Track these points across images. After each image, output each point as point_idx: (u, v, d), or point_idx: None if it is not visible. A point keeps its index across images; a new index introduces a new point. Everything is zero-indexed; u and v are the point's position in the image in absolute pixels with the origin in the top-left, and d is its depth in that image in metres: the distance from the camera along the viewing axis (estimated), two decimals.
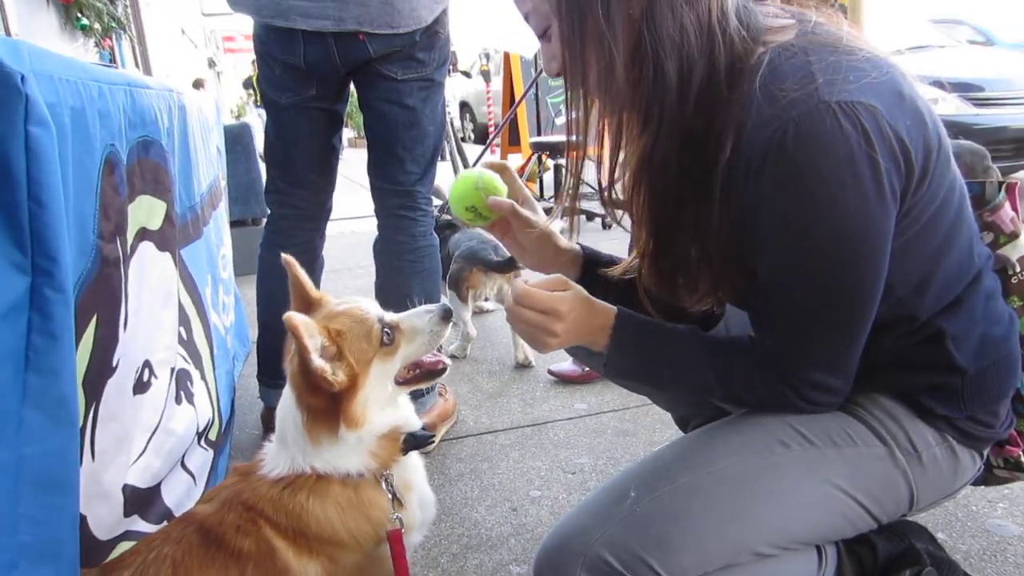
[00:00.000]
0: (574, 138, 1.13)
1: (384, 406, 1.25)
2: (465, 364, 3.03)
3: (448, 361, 1.36)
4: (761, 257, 1.07)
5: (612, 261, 1.38)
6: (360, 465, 1.21)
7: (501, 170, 1.34)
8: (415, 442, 1.28)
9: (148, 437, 1.44)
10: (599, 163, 1.19)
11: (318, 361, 1.12)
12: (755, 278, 1.09)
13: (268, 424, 2.34)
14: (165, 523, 1.51)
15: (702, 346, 1.18)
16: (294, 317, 1.08)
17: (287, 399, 1.23)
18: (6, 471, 0.85)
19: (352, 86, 2.22)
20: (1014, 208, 1.26)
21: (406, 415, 1.30)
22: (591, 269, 1.38)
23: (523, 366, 3.01)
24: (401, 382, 1.30)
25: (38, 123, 0.77)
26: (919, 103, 1.01)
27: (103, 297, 1.13)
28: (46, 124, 0.79)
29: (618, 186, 1.16)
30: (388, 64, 2.08)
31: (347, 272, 4.69)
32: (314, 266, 2.36)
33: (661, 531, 1.06)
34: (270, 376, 2.31)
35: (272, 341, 2.28)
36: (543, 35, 1.11)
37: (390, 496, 1.22)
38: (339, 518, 1.18)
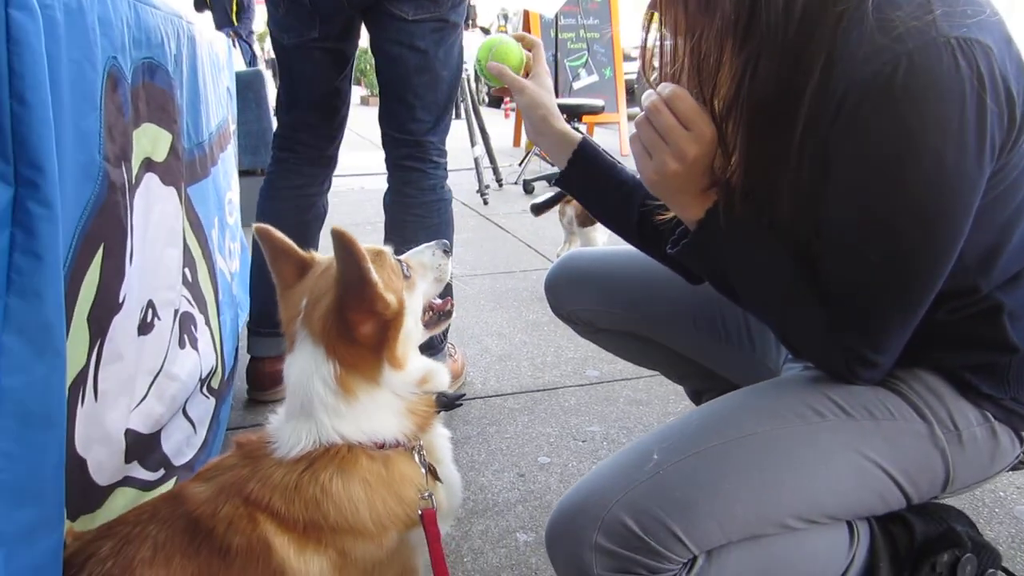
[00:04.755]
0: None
1: (416, 349, 1.18)
2: (474, 326, 2.96)
3: (453, 301, 1.35)
4: (833, 206, 0.98)
5: (613, 164, 1.31)
6: (396, 428, 1.09)
7: (530, 46, 1.34)
8: (447, 401, 1.18)
9: (151, 381, 1.37)
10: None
11: (375, 274, 1.03)
12: (816, 238, 1.01)
13: (254, 378, 2.26)
14: (162, 471, 1.45)
15: (784, 266, 1.07)
16: (341, 228, 0.99)
17: (307, 362, 1.08)
18: None
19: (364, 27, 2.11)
20: None
21: (437, 364, 1.20)
22: (585, 158, 1.29)
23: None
24: (424, 324, 1.24)
25: (21, 7, 0.68)
26: (1020, 52, 0.93)
27: (110, 226, 1.04)
28: (31, 10, 0.69)
29: None
30: (398, 3, 1.95)
31: (355, 228, 4.60)
32: (307, 216, 2.24)
33: (685, 496, 1.00)
34: (264, 325, 2.23)
35: (271, 287, 2.21)
36: None
37: (424, 470, 1.10)
38: (366, 499, 1.04)
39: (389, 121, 2.12)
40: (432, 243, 1.28)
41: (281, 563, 1.01)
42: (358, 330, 1.05)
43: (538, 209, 3.42)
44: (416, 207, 2.13)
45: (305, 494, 1.03)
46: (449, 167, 2.23)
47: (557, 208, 3.42)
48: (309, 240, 2.29)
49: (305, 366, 1.09)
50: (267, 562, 1.00)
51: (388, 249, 1.20)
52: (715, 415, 1.13)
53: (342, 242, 0.99)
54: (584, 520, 1.02)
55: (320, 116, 2.18)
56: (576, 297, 1.61)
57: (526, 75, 1.33)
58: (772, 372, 1.40)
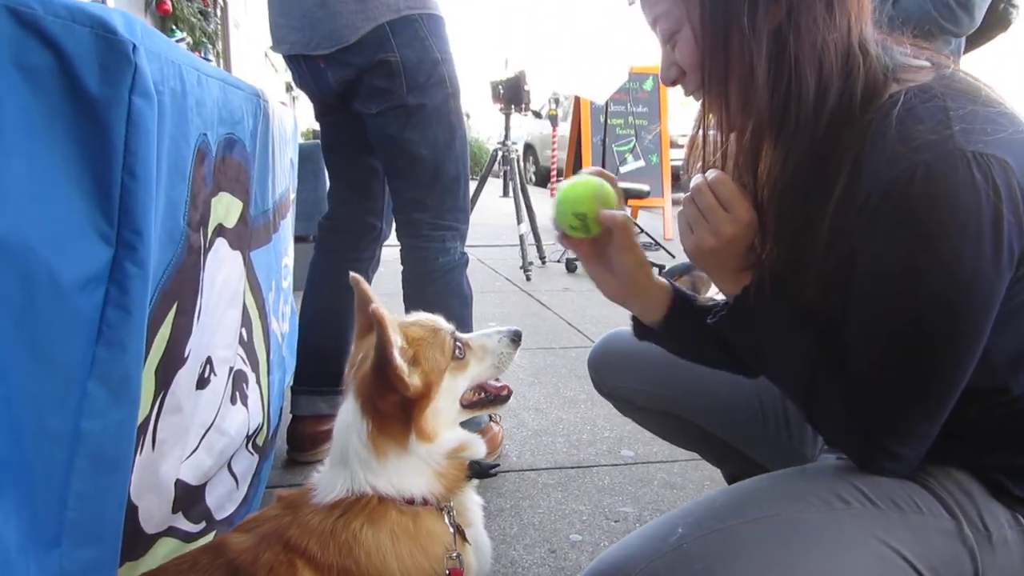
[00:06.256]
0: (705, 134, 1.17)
1: (451, 424, 1.21)
2: (512, 399, 2.96)
3: (511, 388, 1.32)
4: (856, 307, 1.03)
5: (704, 306, 1.30)
6: (425, 488, 1.14)
7: (611, 182, 1.22)
8: (480, 469, 1.22)
9: (202, 434, 1.43)
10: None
11: (399, 358, 1.08)
12: (842, 326, 1.05)
13: (295, 439, 2.32)
14: (204, 524, 1.49)
15: (810, 351, 1.12)
16: (381, 308, 1.06)
17: (348, 414, 1.16)
18: (62, 442, 0.84)
19: None
20: None
21: (473, 437, 1.25)
22: (679, 306, 1.30)
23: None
24: (466, 404, 1.25)
25: (142, 95, 0.78)
26: None
27: (185, 286, 1.13)
28: (150, 97, 0.79)
29: None
30: (360, 101, 2.09)
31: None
32: (345, 281, 2.32)
33: (705, 570, 1.01)
34: (305, 384, 2.33)
35: (312, 347, 2.34)
36: (668, 40, 1.11)
37: (452, 530, 1.14)
38: (392, 549, 1.08)
39: (393, 206, 2.27)
40: (504, 329, 1.29)
41: None
42: (384, 401, 1.12)
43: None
44: (412, 279, 2.23)
45: (338, 539, 1.07)
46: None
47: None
48: (346, 307, 2.38)
49: (347, 417, 1.16)
50: None
51: (447, 327, 1.23)
52: (741, 494, 1.14)
53: (376, 322, 1.06)
54: None
55: (349, 185, 2.35)
56: (616, 375, 1.64)
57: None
58: (809, 461, 1.41)
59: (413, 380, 1.11)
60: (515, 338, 1.28)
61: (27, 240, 0.73)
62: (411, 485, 1.13)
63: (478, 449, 1.23)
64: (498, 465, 1.28)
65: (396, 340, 1.09)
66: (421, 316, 1.25)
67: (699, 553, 1.03)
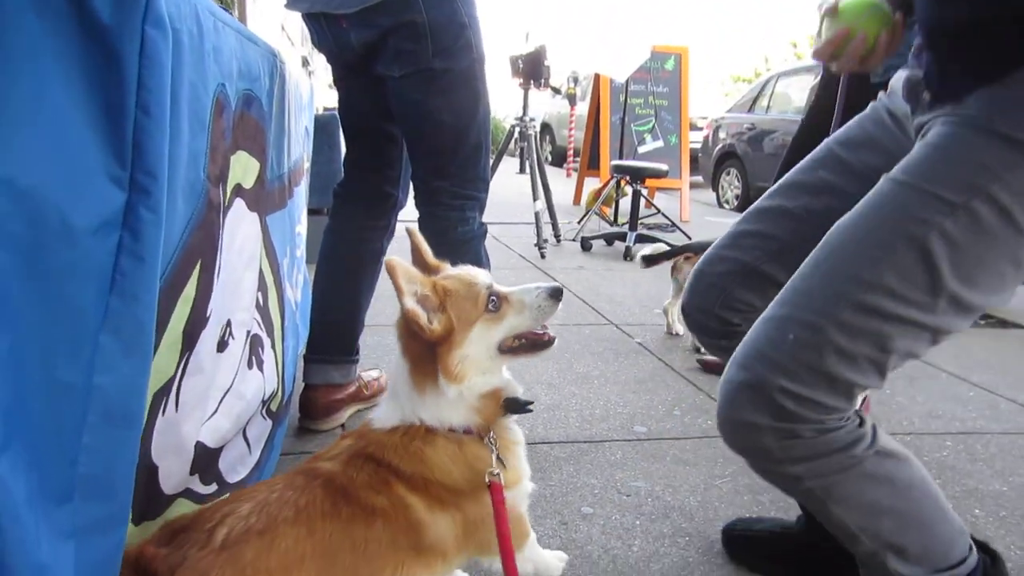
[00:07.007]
0: None
1: (486, 370, 1.29)
2: (525, 373, 2.96)
3: (554, 335, 1.37)
4: None
5: None
6: (464, 419, 1.27)
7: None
8: (515, 406, 1.32)
9: (221, 397, 1.41)
10: None
11: (411, 304, 1.19)
12: None
13: (307, 407, 2.31)
14: (215, 486, 1.47)
15: None
16: (394, 259, 1.17)
17: (398, 355, 1.30)
18: (74, 394, 0.81)
19: None
20: None
21: (508, 380, 1.35)
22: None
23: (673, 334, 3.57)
24: (506, 351, 1.32)
25: (156, 25, 0.74)
26: None
27: (206, 243, 1.11)
28: (164, 28, 0.75)
29: None
30: (383, 63, 2.01)
31: None
32: (360, 249, 2.32)
33: (830, 372, 1.09)
34: (317, 352, 2.31)
35: (325, 315, 2.32)
36: None
37: (494, 455, 1.26)
38: (449, 463, 1.23)
39: (412, 173, 2.20)
40: (544, 285, 1.34)
41: (418, 519, 1.19)
42: (413, 343, 1.25)
43: (649, 260, 3.50)
44: (433, 248, 2.18)
45: (409, 450, 1.22)
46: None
47: (670, 263, 3.54)
48: (360, 276, 2.34)
49: (397, 358, 1.31)
50: (407, 517, 1.18)
51: (484, 282, 1.30)
52: (833, 272, 1.13)
53: (388, 272, 1.17)
54: (744, 401, 1.14)
55: (364, 151, 2.29)
56: (720, 277, 1.47)
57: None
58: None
59: (433, 325, 1.22)
60: (553, 294, 1.33)
61: (37, 179, 0.69)
62: (450, 417, 1.26)
63: (513, 390, 1.34)
64: (532, 403, 1.38)
65: (411, 288, 1.20)
66: (462, 270, 1.33)
67: (817, 357, 1.09)
